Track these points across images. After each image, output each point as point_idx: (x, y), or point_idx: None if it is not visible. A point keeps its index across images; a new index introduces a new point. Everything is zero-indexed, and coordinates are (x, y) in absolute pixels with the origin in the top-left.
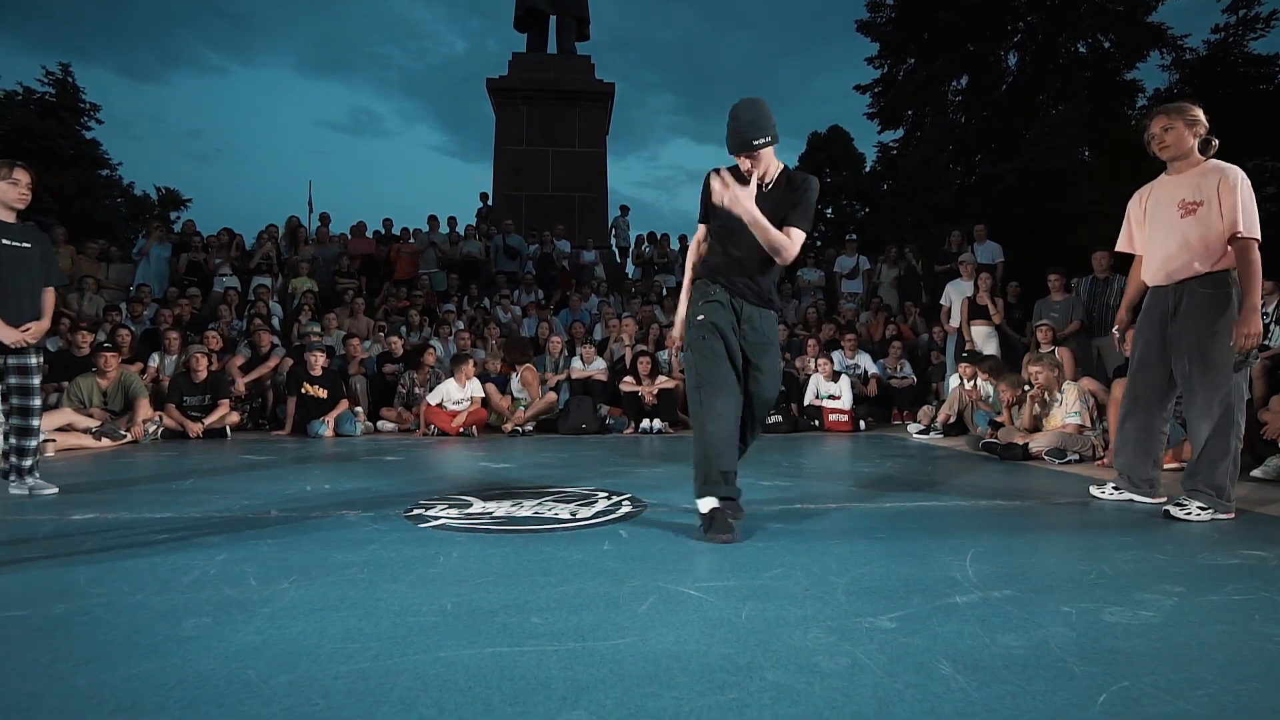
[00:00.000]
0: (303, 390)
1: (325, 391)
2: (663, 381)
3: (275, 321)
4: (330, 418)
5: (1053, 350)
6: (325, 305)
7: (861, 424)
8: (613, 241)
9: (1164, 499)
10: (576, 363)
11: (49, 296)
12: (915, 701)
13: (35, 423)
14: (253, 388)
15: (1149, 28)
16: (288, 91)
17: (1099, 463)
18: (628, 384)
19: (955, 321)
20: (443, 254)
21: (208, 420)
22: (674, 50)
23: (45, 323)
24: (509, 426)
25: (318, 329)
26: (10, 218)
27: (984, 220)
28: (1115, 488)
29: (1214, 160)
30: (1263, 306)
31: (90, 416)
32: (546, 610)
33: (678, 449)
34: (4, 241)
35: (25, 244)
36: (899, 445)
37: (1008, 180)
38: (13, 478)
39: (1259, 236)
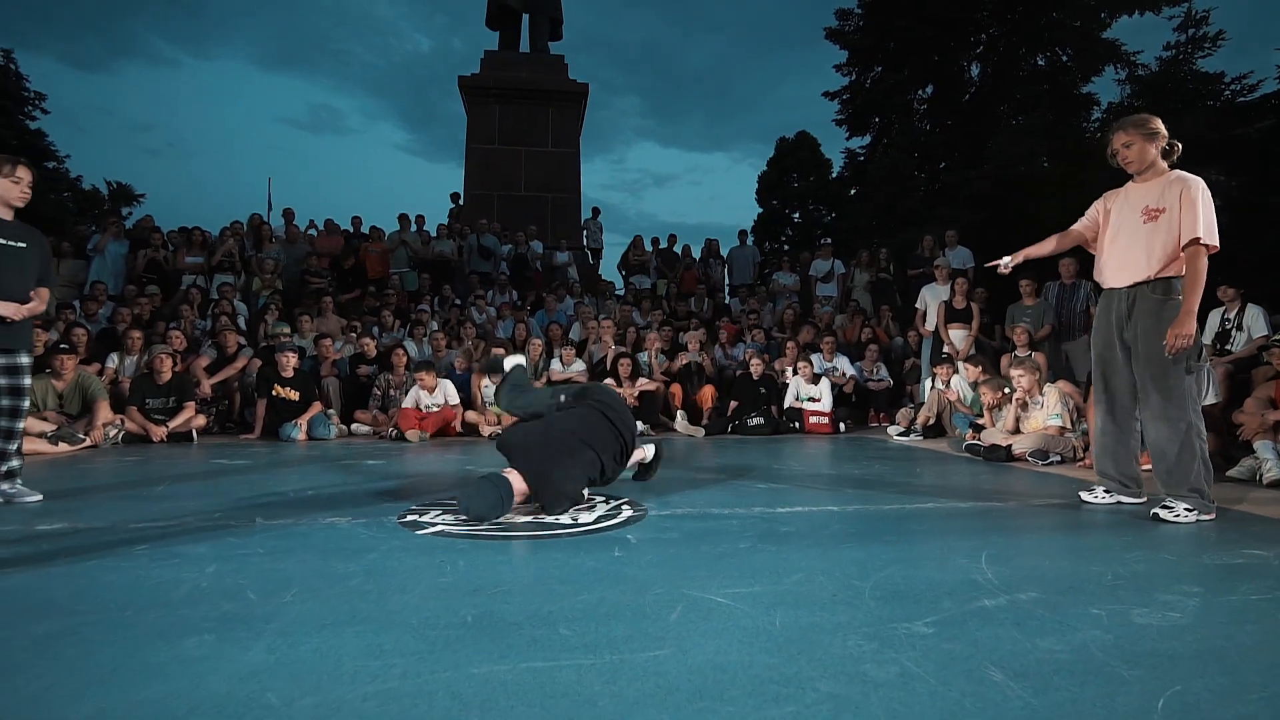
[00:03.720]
0: (273, 392)
1: (297, 394)
2: (643, 384)
3: (241, 321)
4: (303, 420)
5: (1029, 354)
6: (290, 304)
7: (841, 426)
8: (585, 242)
9: (1145, 499)
10: (556, 364)
11: (42, 293)
12: (977, 711)
13: (20, 425)
14: (219, 389)
15: (1104, 43)
16: (244, 86)
17: (1080, 464)
18: (608, 386)
19: (931, 325)
20: (414, 253)
21: (172, 424)
22: (640, 53)
23: (39, 305)
24: (489, 430)
25: (287, 329)
26: (9, 215)
27: (953, 226)
28: (1106, 491)
29: (1179, 171)
30: (1224, 312)
31: (45, 420)
32: (573, 621)
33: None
34: (0, 240)
35: (21, 243)
36: (880, 447)
37: (973, 187)
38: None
39: (1217, 244)
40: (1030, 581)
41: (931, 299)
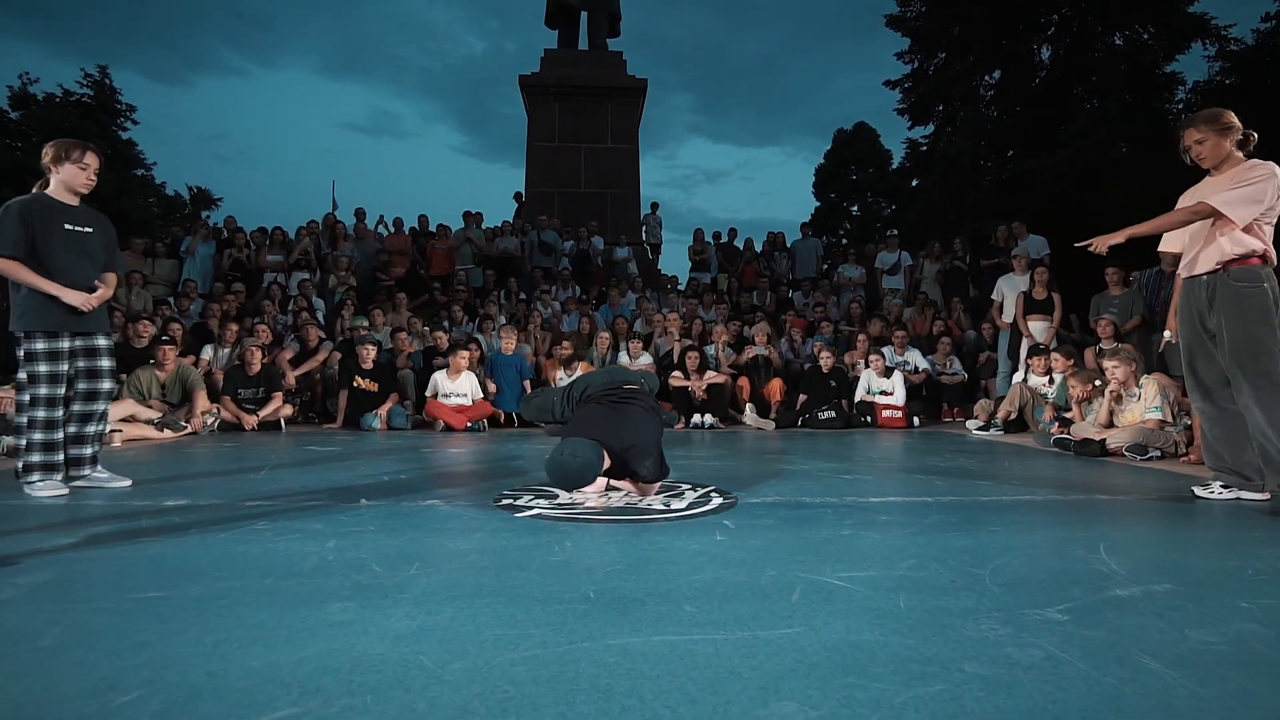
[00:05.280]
0: (354, 384)
1: (376, 385)
2: (711, 376)
3: (319, 316)
4: (382, 411)
5: (1115, 346)
6: (364, 300)
7: (915, 420)
8: (644, 238)
9: (1269, 495)
10: (623, 357)
11: (109, 278)
12: (1140, 697)
13: (98, 408)
14: (302, 381)
15: (1190, 18)
16: (308, 93)
17: (1183, 459)
18: (676, 379)
19: (1008, 317)
20: (479, 250)
21: (262, 413)
22: (690, 49)
23: (107, 292)
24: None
25: (365, 323)
26: (74, 201)
27: (1021, 215)
28: (1224, 486)
29: (1255, 159)
30: None
31: (150, 408)
32: (694, 599)
33: (734, 444)
34: (67, 226)
35: (88, 229)
36: (959, 441)
37: (1044, 175)
38: (79, 469)
39: (1235, 219)
40: (1160, 573)
41: (1009, 290)
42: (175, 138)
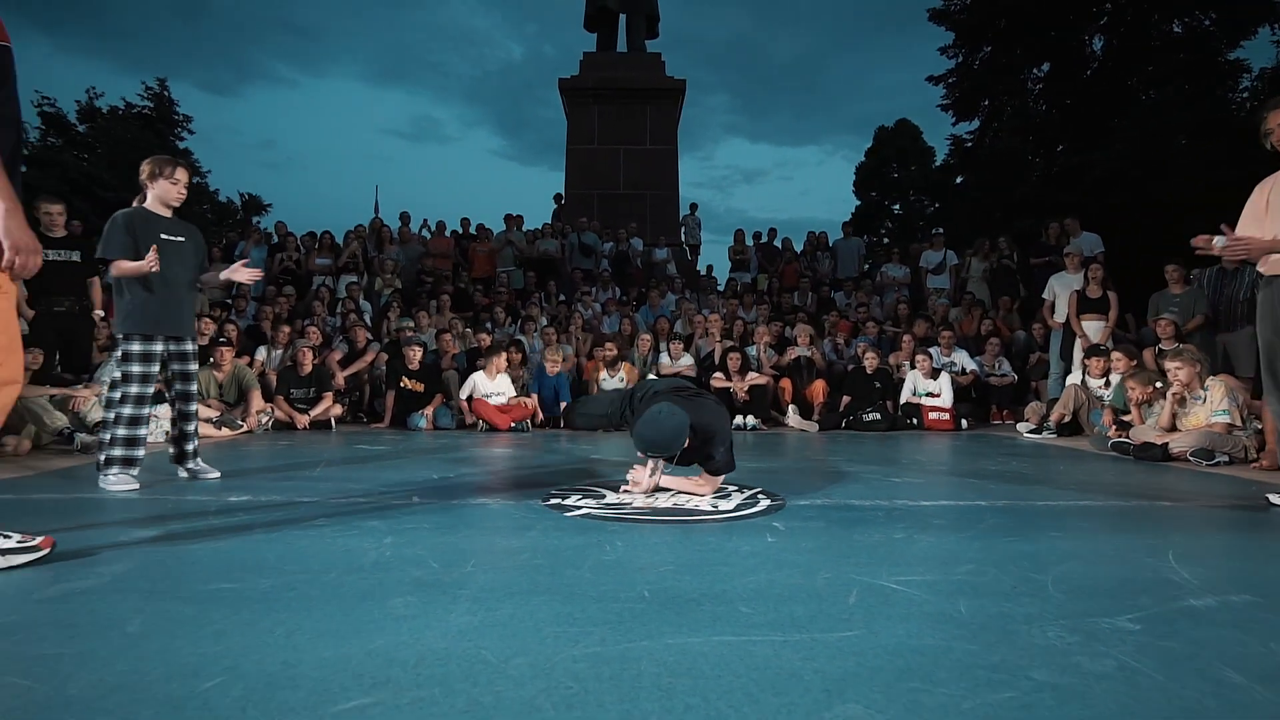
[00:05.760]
0: (401, 384)
1: (422, 385)
2: (753, 378)
3: (366, 318)
4: (428, 411)
5: (1177, 347)
6: (408, 301)
7: (963, 423)
8: (683, 238)
9: None
10: (664, 359)
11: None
12: (1222, 713)
13: (193, 408)
14: (350, 381)
15: (1257, 2)
16: (352, 101)
17: (1254, 465)
18: (718, 380)
19: (1060, 316)
20: (520, 252)
21: (313, 412)
22: (726, 49)
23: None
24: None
25: (410, 325)
26: (168, 213)
27: (1072, 211)
28: None
29: None
30: None
31: (209, 407)
32: (750, 600)
33: (778, 446)
34: (163, 235)
35: (181, 238)
36: (1011, 445)
37: (1096, 170)
38: (184, 462)
39: None
40: (1237, 583)
41: (1061, 289)
42: (227, 146)
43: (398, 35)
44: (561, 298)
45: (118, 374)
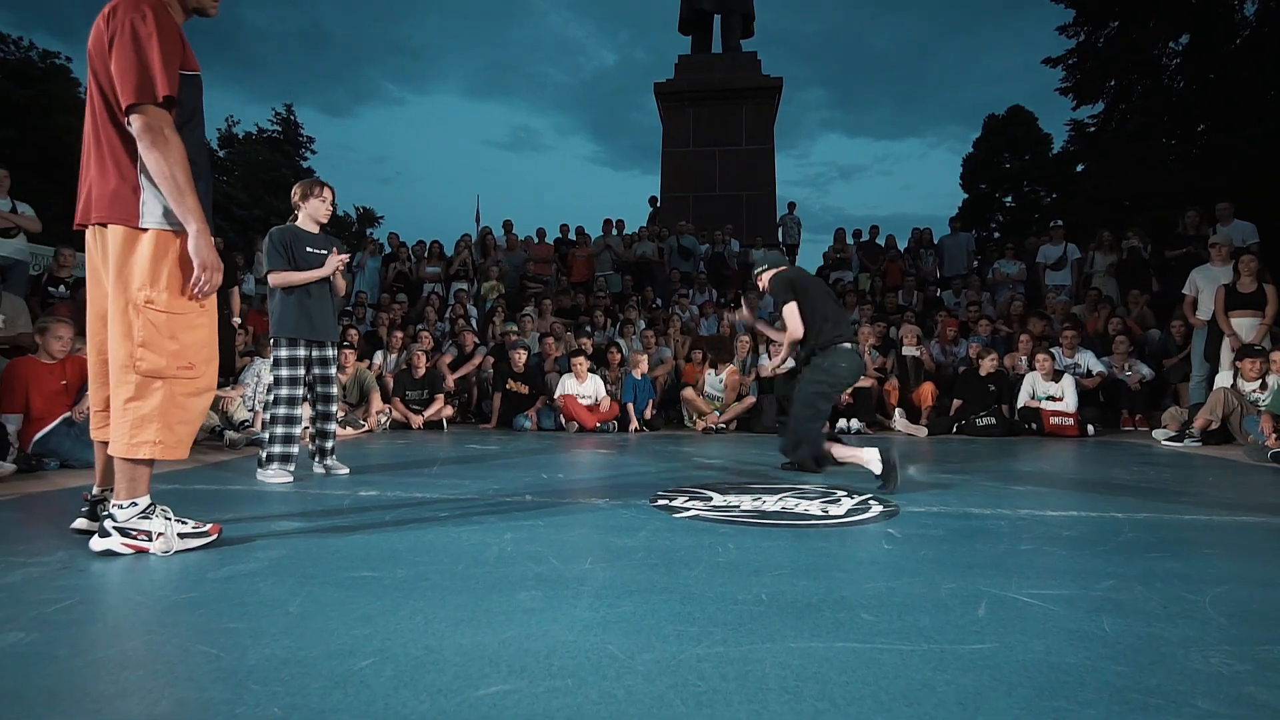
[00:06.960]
0: (507, 386)
1: (527, 388)
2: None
3: (473, 322)
4: (533, 412)
5: None
6: (513, 306)
7: (1089, 429)
8: (781, 239)
9: None
10: (764, 360)
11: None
12: None
13: (334, 409)
14: (460, 383)
15: None
16: (455, 115)
17: None
18: None
19: (1205, 313)
20: (617, 256)
21: (427, 413)
22: (822, 42)
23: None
24: (702, 424)
25: (515, 329)
26: (315, 229)
27: (1217, 198)
28: None
29: None
30: None
31: None
32: (871, 607)
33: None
34: (309, 249)
35: (325, 251)
36: (1146, 453)
37: (1246, 151)
38: (324, 458)
39: None
40: None
41: (1205, 283)
42: (343, 163)
43: (495, 50)
44: (657, 302)
45: (269, 378)
